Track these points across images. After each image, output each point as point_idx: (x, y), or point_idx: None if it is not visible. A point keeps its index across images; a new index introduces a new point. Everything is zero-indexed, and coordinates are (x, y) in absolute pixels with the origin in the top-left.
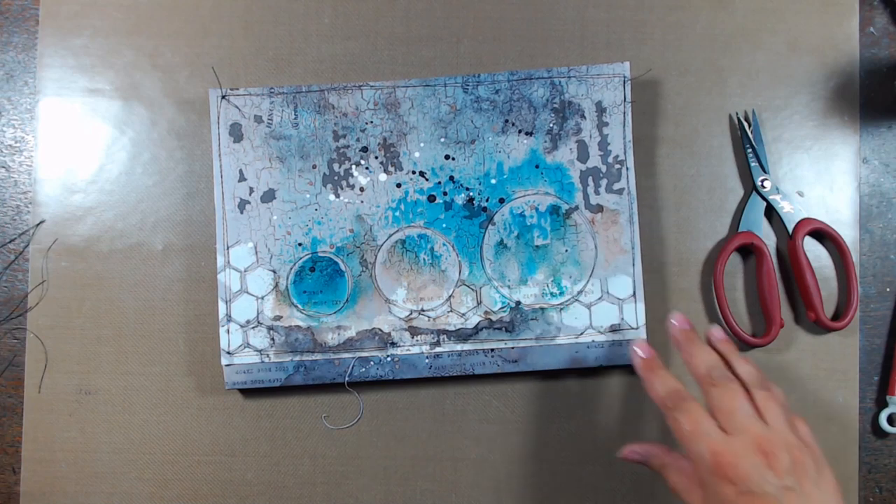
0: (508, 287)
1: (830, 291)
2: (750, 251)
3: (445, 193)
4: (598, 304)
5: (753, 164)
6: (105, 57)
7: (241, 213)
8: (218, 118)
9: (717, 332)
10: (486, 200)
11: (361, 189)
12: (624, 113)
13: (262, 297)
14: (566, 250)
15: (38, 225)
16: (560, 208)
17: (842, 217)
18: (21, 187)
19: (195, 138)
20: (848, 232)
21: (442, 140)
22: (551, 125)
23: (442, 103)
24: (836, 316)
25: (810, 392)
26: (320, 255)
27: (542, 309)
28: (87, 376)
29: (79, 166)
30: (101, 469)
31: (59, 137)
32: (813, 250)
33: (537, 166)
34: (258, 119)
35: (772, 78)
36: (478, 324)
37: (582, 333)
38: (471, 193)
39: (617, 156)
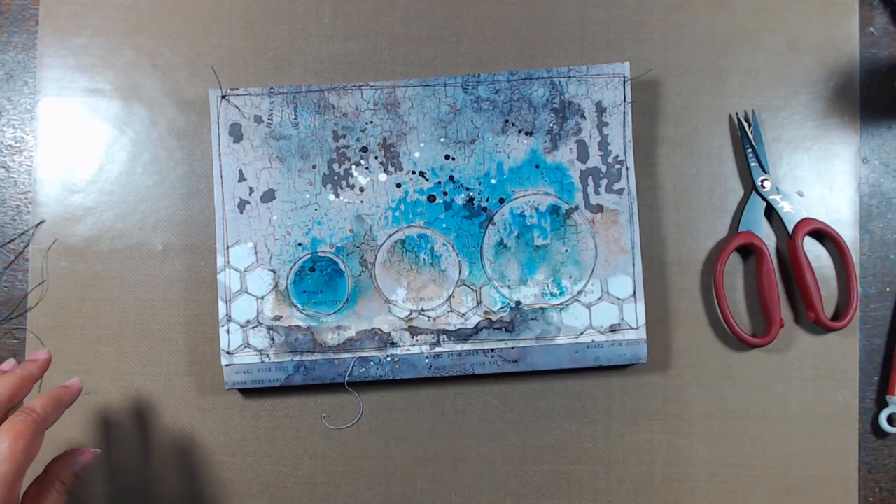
0: (508, 287)
1: (830, 291)
2: (750, 251)
3: (445, 193)
4: (598, 304)
5: (753, 164)
6: (105, 57)
7: (241, 213)
8: (218, 118)
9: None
10: (486, 200)
11: (361, 189)
12: (624, 113)
13: (262, 297)
14: (566, 250)
15: (38, 225)
16: (560, 208)
17: (842, 217)
18: (21, 187)
19: (195, 138)
20: (848, 232)
21: (442, 140)
22: (551, 125)
23: (442, 103)
24: (836, 316)
25: (810, 392)
26: (320, 255)
27: (542, 309)
28: (87, 376)
29: (79, 166)
30: (100, 469)
31: (59, 137)
32: (813, 250)
33: (537, 166)
34: (258, 119)
35: (772, 78)
36: (478, 324)
37: (582, 333)
38: (471, 193)
39: (617, 156)
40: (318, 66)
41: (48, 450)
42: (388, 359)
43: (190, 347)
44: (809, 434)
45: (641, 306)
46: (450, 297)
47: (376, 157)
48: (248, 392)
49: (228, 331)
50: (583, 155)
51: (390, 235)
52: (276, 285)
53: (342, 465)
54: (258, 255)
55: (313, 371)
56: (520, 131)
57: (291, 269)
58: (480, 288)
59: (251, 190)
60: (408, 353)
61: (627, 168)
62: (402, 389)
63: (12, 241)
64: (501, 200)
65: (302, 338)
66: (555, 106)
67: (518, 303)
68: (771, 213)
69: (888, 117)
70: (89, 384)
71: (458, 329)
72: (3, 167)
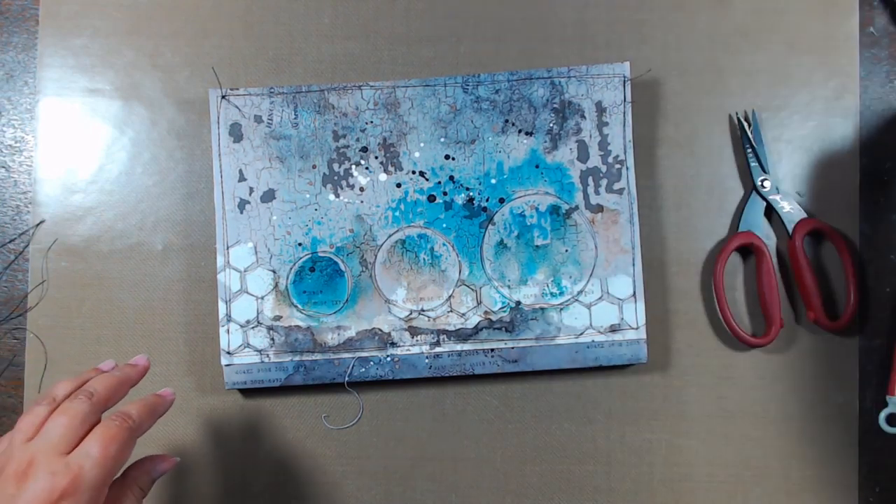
0: (508, 287)
1: (830, 291)
2: (750, 251)
3: (445, 193)
4: (598, 304)
5: (753, 164)
6: (105, 57)
7: (241, 213)
8: (218, 118)
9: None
10: (487, 200)
11: (361, 189)
12: (624, 113)
13: (262, 297)
14: (566, 250)
15: (38, 225)
16: (560, 208)
17: (842, 217)
18: (21, 187)
19: (195, 138)
20: (848, 232)
21: (442, 140)
22: (551, 125)
23: (442, 103)
24: (836, 316)
25: (810, 392)
26: (320, 255)
27: (542, 309)
28: None
29: (79, 166)
30: None
31: (59, 137)
32: (813, 250)
33: (537, 166)
34: (258, 119)
35: (772, 78)
36: (478, 324)
37: (582, 333)
38: (471, 193)
39: (617, 156)
40: (318, 66)
41: None
42: (388, 359)
43: (190, 347)
44: (809, 434)
45: (642, 306)
46: (450, 297)
47: (376, 157)
48: (248, 392)
49: (228, 331)
50: (583, 155)
51: (390, 235)
52: (276, 285)
53: (342, 465)
54: (258, 255)
55: (313, 371)
56: (520, 131)
57: (291, 269)
58: (480, 288)
59: (251, 190)
60: (408, 353)
61: (627, 168)
62: (402, 389)
63: (12, 241)
64: (501, 200)
65: (302, 338)
66: (555, 106)
67: (518, 303)
68: (771, 213)
69: (888, 117)
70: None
71: (458, 329)
72: (3, 167)
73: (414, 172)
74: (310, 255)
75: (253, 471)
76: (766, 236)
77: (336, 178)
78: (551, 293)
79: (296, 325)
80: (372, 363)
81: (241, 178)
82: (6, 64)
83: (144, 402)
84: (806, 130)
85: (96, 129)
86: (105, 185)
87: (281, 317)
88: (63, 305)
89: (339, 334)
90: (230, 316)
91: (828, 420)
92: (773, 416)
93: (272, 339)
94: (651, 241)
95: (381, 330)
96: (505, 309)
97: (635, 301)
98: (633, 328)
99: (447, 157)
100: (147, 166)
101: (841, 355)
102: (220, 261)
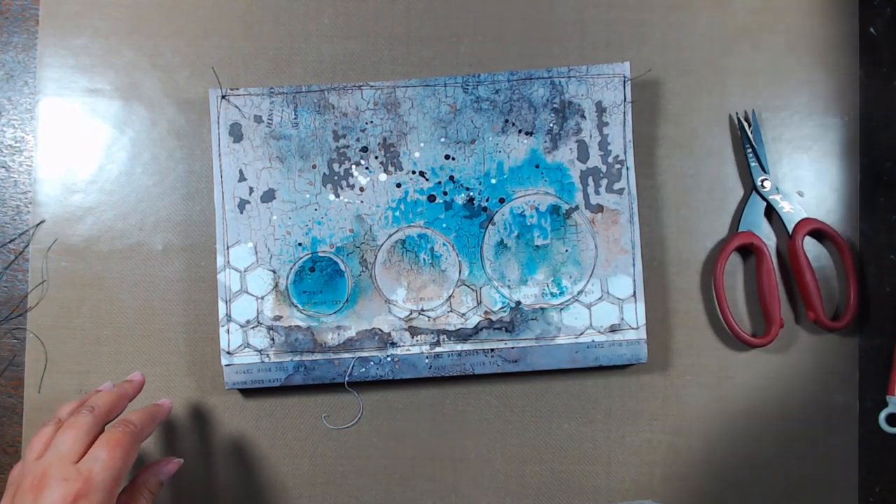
0: (508, 287)
1: (830, 291)
2: (750, 251)
3: (445, 193)
4: (598, 304)
5: (753, 164)
6: (105, 57)
7: (241, 212)
8: (218, 118)
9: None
10: (487, 200)
11: (361, 189)
12: (624, 113)
13: (262, 297)
14: (566, 250)
15: (38, 225)
16: (560, 208)
17: (842, 217)
18: (21, 187)
19: (195, 138)
20: (848, 232)
21: (442, 140)
22: (551, 125)
23: (442, 103)
24: (836, 316)
25: (810, 392)
26: (320, 255)
27: (542, 309)
28: (87, 376)
29: (79, 166)
30: None
31: (59, 137)
32: (813, 250)
33: (537, 166)
34: (258, 119)
35: (772, 78)
36: (478, 324)
37: (582, 333)
38: (471, 193)
39: (617, 156)
40: (318, 66)
41: None
42: (388, 359)
43: (190, 347)
44: (809, 434)
45: (642, 306)
46: (450, 297)
47: (376, 157)
48: (248, 392)
49: (228, 331)
50: (583, 155)
51: (390, 235)
52: (276, 285)
53: (342, 465)
54: (258, 255)
55: (313, 371)
56: (520, 131)
57: (291, 269)
58: (480, 288)
59: (251, 190)
60: (408, 353)
61: (627, 168)
62: (403, 389)
63: (12, 241)
64: (501, 200)
65: (302, 338)
66: (555, 106)
67: (518, 303)
68: (771, 213)
69: (888, 117)
70: (89, 384)
71: (458, 329)
72: (3, 167)
73: (414, 172)
74: (310, 255)
75: (253, 471)
76: (766, 236)
77: (336, 178)
78: (551, 293)
79: (296, 325)
80: (372, 363)
81: (242, 178)
82: (6, 64)
83: (144, 410)
84: (806, 130)
85: (96, 129)
86: (105, 185)
87: (281, 317)
88: (63, 305)
89: (339, 334)
90: (230, 316)
91: (828, 420)
92: (773, 416)
93: (272, 339)
94: (651, 241)
95: (381, 330)
96: (505, 309)
97: (635, 301)
98: (633, 328)
99: (447, 157)
100: (147, 166)
101: (841, 355)
102: (220, 261)
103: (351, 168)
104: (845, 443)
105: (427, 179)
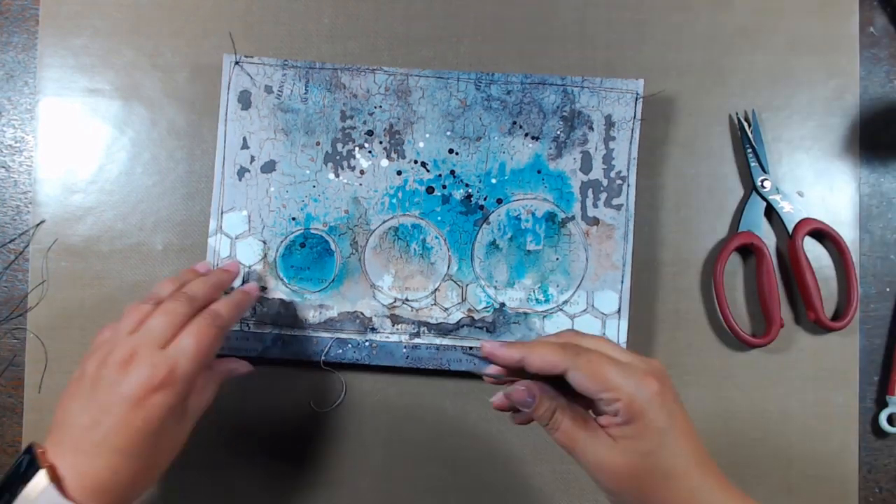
0: (495, 288)
1: (830, 291)
2: (750, 251)
3: (444, 187)
4: (581, 316)
5: (753, 164)
6: (105, 57)
7: (240, 180)
8: (229, 83)
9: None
10: (484, 199)
11: (362, 172)
12: (632, 129)
13: (250, 267)
14: (557, 258)
15: (38, 225)
16: (556, 216)
17: (842, 217)
18: (21, 187)
19: (195, 138)
20: (848, 232)
21: (448, 133)
22: (558, 132)
23: (452, 97)
24: (836, 316)
25: (810, 392)
26: (312, 231)
27: (526, 314)
28: None
29: (79, 166)
30: None
31: (59, 137)
32: (813, 250)
33: (539, 171)
34: (268, 89)
35: (772, 78)
36: (460, 320)
37: None
38: (470, 190)
39: (620, 171)
40: None
41: None
42: (367, 343)
43: None
44: (809, 434)
45: (625, 324)
46: (435, 290)
47: (381, 142)
48: (248, 392)
49: None
50: (586, 166)
51: (385, 221)
52: (264, 256)
53: (342, 465)
54: (251, 224)
55: (291, 346)
56: (526, 135)
57: (282, 242)
58: (467, 285)
59: (252, 158)
60: (386, 340)
61: (629, 185)
62: (403, 389)
63: (12, 241)
64: (499, 201)
65: (284, 312)
66: (564, 114)
67: (503, 304)
68: (771, 213)
69: (888, 117)
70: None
71: (440, 323)
72: (3, 167)
73: (416, 162)
74: (302, 231)
75: (254, 471)
76: (766, 236)
77: (338, 157)
78: (537, 299)
79: (279, 299)
80: (350, 345)
81: (245, 146)
82: (6, 64)
83: (232, 299)
84: (806, 130)
85: (96, 129)
86: (105, 185)
87: (266, 288)
88: (63, 305)
89: (320, 313)
90: None
91: (828, 420)
92: (773, 416)
93: (254, 309)
94: (651, 240)
95: (363, 314)
96: (489, 309)
97: (619, 318)
98: None
99: (451, 151)
100: (147, 166)
101: (841, 355)
102: (212, 225)
103: (354, 150)
104: (845, 443)
105: (428, 171)
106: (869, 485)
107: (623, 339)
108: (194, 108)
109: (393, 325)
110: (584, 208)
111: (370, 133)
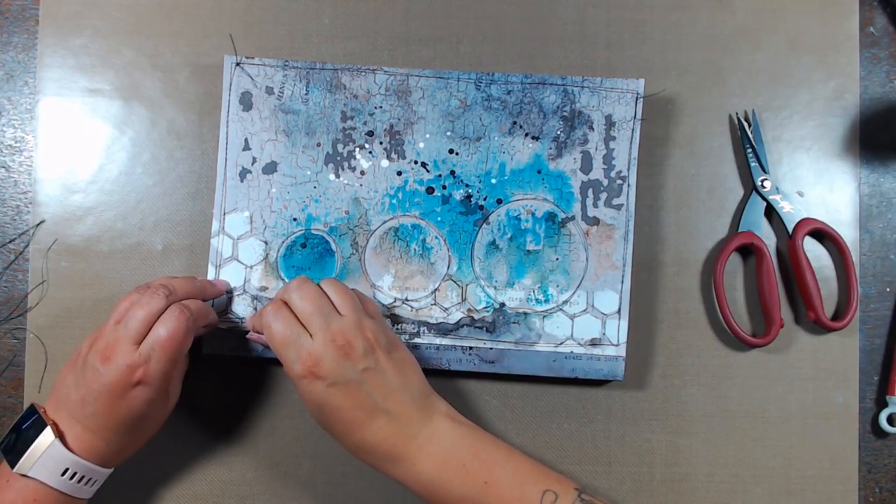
0: (495, 288)
1: (830, 291)
2: (750, 251)
3: (444, 187)
4: (581, 317)
5: (753, 164)
6: (105, 57)
7: (242, 181)
8: (230, 84)
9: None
10: (484, 199)
11: (362, 172)
12: (633, 130)
13: (251, 267)
14: (557, 258)
15: (38, 225)
16: (556, 216)
17: (842, 217)
18: (21, 187)
19: (195, 138)
20: (848, 232)
21: (448, 134)
22: (558, 132)
23: (453, 97)
24: (836, 316)
25: (810, 392)
26: (313, 232)
27: (526, 314)
28: None
29: (79, 166)
30: None
31: (59, 137)
32: (813, 250)
33: (539, 171)
34: (269, 91)
35: (772, 78)
36: (459, 320)
37: (562, 343)
38: (470, 190)
39: (620, 171)
40: None
41: None
42: None
43: None
44: (809, 434)
45: (625, 324)
46: (435, 290)
47: (381, 143)
48: (248, 392)
49: None
50: (586, 166)
51: (385, 222)
52: (266, 256)
53: (342, 465)
54: (253, 225)
55: None
56: (526, 135)
57: (283, 242)
58: (467, 285)
59: (254, 160)
60: None
61: (629, 185)
62: None
63: (12, 241)
64: (499, 201)
65: None
66: (564, 114)
67: (502, 304)
68: (771, 213)
69: (888, 117)
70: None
71: (440, 323)
72: (3, 167)
73: (416, 162)
74: (303, 232)
75: (253, 471)
76: (766, 236)
77: (339, 158)
78: (536, 299)
79: None
80: None
81: (246, 147)
82: (6, 64)
83: (196, 287)
84: (806, 130)
85: (96, 129)
86: (105, 185)
87: (267, 288)
88: (63, 305)
89: None
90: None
91: (828, 420)
92: (773, 416)
93: (255, 309)
94: (651, 240)
95: None
96: (488, 309)
97: (619, 318)
98: (613, 344)
99: (451, 151)
100: (147, 166)
101: (841, 355)
102: (215, 225)
103: (354, 150)
104: (845, 443)
105: (428, 171)
106: (869, 485)
107: (623, 339)
108: (194, 108)
109: (393, 325)
110: (584, 208)
111: (370, 133)
